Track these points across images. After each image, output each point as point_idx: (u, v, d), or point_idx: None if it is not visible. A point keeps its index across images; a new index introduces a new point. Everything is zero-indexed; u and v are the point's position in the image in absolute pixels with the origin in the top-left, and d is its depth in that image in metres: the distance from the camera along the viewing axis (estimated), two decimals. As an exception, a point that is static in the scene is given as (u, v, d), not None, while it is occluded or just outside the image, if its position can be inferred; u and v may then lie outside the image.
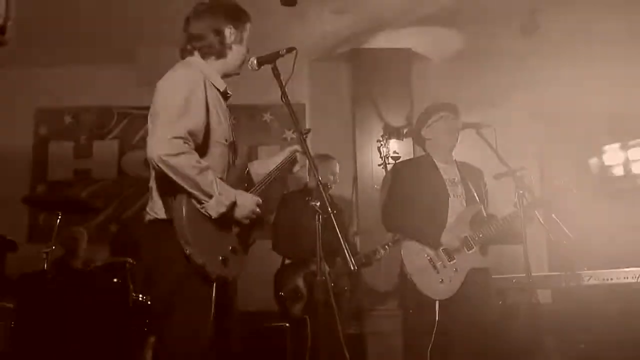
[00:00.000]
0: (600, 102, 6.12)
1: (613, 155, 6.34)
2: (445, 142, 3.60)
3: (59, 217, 4.48)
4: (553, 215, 3.46)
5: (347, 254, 2.24)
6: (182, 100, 2.33)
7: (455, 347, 3.29)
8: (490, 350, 3.29)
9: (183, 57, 2.62)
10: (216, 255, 2.35)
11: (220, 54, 2.59)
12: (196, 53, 2.60)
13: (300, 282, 4.27)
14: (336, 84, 6.59)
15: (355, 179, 6.11)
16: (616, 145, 6.33)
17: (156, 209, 2.44)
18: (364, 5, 5.49)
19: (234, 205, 2.36)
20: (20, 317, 4.16)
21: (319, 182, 2.37)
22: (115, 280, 4.23)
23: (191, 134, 2.32)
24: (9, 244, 4.81)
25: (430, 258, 3.38)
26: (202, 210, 2.32)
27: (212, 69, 2.59)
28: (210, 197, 2.29)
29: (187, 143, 2.28)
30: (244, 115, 6.37)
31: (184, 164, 2.25)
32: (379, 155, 5.97)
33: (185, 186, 2.26)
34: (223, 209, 2.32)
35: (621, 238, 5.27)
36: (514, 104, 6.32)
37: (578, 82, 6.15)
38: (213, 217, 2.32)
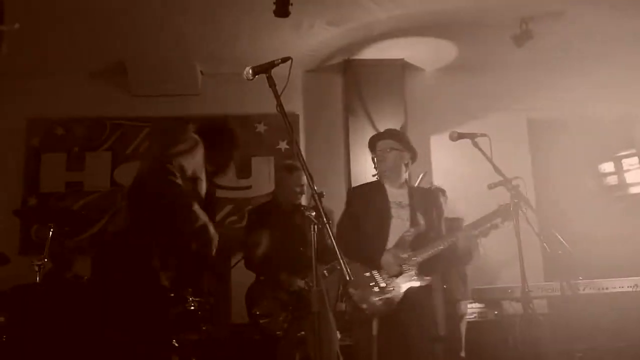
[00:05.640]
0: (594, 111, 6.15)
1: (607, 165, 6.35)
2: (391, 172, 3.74)
3: (51, 229, 4.44)
4: (549, 225, 3.46)
5: (342, 265, 2.23)
6: None
7: None
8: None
9: None
10: None
11: None
12: None
13: (276, 299, 4.23)
14: (330, 94, 6.58)
15: (349, 190, 6.08)
16: (610, 155, 6.35)
17: None
18: (357, 16, 5.49)
19: None
20: (12, 331, 4.11)
21: (314, 193, 2.37)
22: (108, 292, 4.20)
23: None
24: (0, 257, 4.76)
25: (371, 276, 3.47)
26: None
27: None
28: None
29: None
30: (236, 125, 6.29)
31: None
32: (373, 166, 5.94)
33: None
34: None
35: (616, 247, 5.28)
36: (508, 113, 6.34)
37: (572, 91, 6.18)
38: None
